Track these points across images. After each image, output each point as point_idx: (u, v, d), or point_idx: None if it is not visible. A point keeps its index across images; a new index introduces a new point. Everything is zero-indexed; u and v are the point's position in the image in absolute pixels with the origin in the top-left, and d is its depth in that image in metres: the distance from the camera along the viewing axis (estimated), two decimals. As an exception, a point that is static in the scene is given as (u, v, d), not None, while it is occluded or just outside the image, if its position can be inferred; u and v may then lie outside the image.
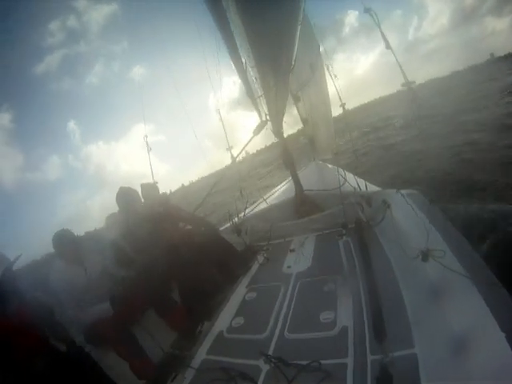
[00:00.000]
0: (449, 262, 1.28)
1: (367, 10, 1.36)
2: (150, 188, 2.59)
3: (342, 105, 2.09)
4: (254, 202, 3.51)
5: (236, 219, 2.99)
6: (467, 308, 1.11)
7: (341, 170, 3.10)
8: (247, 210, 3.19)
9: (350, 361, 1.24)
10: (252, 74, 2.45)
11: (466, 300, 1.13)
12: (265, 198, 3.64)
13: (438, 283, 1.30)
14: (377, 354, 1.22)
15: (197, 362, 1.53)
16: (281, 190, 3.68)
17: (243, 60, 2.25)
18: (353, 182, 2.72)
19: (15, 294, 1.35)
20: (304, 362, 1.28)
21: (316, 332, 1.45)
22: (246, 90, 2.41)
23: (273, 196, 3.59)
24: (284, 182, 4.04)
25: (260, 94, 2.50)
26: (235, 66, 2.26)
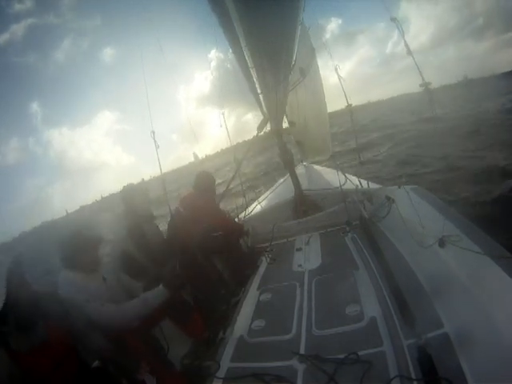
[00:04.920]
0: (467, 245, 1.36)
1: (393, 20, 1.44)
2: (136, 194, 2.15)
3: (349, 106, 2.18)
4: (252, 204, 3.48)
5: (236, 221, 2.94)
6: (492, 283, 1.17)
7: (334, 170, 3.20)
8: (246, 212, 3.16)
9: (386, 348, 1.26)
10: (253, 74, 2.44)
11: (489, 276, 1.19)
12: (262, 199, 3.63)
13: (457, 265, 1.37)
14: (410, 338, 1.25)
15: (223, 371, 1.43)
16: (277, 191, 3.69)
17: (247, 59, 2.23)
18: (353, 180, 2.81)
19: (36, 311, 1.01)
20: (341, 356, 1.27)
21: (345, 326, 1.45)
22: (249, 88, 2.40)
23: (269, 197, 3.59)
24: (278, 183, 4.06)
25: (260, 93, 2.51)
26: (239, 63, 2.24)
